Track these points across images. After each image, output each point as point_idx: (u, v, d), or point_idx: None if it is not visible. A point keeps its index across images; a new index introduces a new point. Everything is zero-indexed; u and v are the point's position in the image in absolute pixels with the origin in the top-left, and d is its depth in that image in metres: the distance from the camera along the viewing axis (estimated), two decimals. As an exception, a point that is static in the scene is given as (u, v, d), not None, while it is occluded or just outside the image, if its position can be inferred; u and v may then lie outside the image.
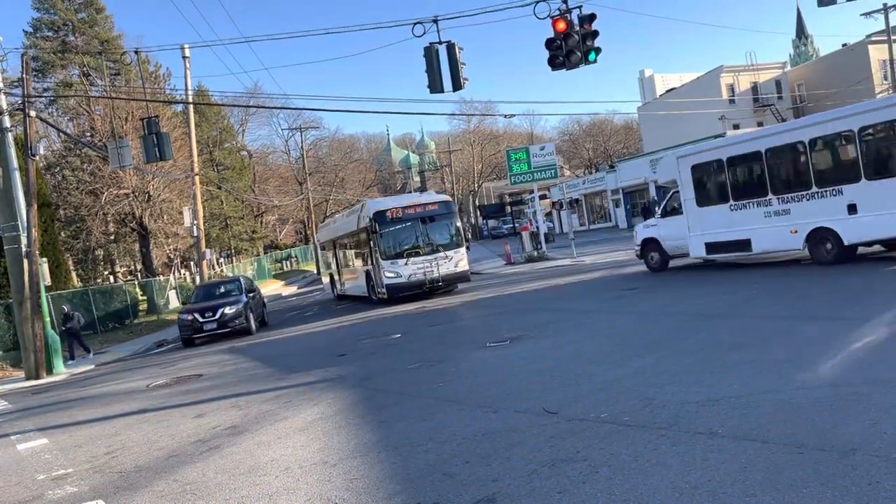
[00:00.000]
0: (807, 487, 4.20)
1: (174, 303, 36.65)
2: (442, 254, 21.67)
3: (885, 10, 38.43)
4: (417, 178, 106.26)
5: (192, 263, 54.32)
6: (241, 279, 23.84)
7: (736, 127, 48.73)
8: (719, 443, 5.20)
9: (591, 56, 16.57)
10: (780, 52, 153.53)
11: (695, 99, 49.07)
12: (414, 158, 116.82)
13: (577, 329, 11.97)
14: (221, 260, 58.28)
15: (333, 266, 29.71)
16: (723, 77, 54.34)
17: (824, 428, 5.21)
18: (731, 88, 54.51)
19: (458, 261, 21.98)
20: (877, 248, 15.33)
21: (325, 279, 33.51)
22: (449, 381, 9.28)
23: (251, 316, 21.27)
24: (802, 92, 54.99)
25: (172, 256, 49.96)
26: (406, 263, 21.30)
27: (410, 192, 74.85)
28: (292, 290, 46.92)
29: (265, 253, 65.65)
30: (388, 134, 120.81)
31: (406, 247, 21.61)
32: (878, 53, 48.50)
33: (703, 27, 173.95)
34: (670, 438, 5.47)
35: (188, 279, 43.28)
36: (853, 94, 46.43)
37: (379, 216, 21.50)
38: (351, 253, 26.57)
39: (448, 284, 22.11)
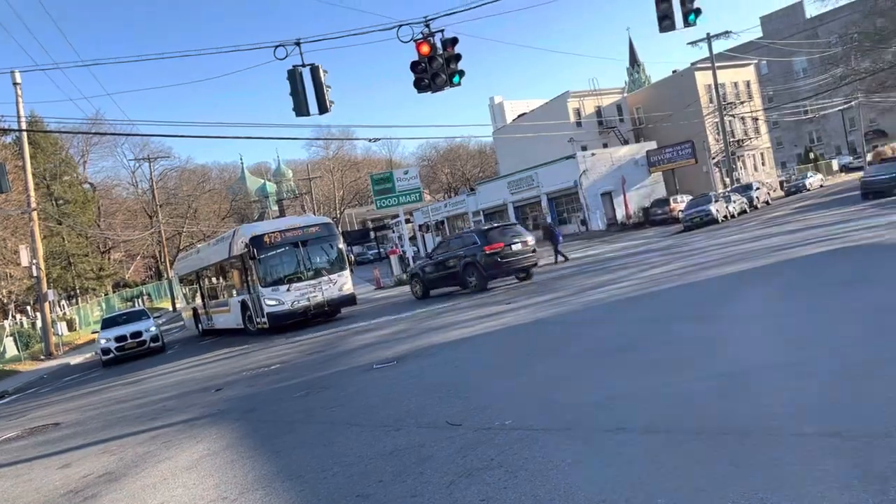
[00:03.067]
0: (718, 470, 4.42)
1: (12, 350, 33.29)
2: (326, 277, 21.05)
3: (709, 39, 42.38)
4: (276, 207, 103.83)
5: (28, 307, 49.68)
6: None
7: (584, 148, 51.67)
8: (627, 437, 5.38)
9: (456, 79, 16.97)
10: (618, 79, 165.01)
11: (545, 122, 51.56)
12: (271, 187, 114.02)
13: (461, 345, 12.05)
14: (63, 302, 53.80)
15: (198, 299, 28.13)
16: (569, 102, 57.49)
17: (720, 414, 5.53)
18: (578, 112, 57.77)
19: (342, 284, 21.44)
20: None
21: (187, 314, 31.63)
22: (341, 404, 9.02)
23: None
24: (641, 115, 59.26)
25: (6, 301, 45.48)
26: (288, 289, 20.49)
27: (269, 220, 72.89)
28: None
29: (114, 291, 61.35)
30: (241, 163, 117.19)
31: (287, 272, 20.76)
32: (703, 79, 53.34)
33: (549, 55, 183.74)
34: (581, 438, 5.59)
35: (26, 324, 39.52)
36: (686, 115, 50.70)
37: (256, 241, 20.56)
38: (221, 283, 25.29)
39: (333, 309, 21.57)
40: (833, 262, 13.65)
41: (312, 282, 20.83)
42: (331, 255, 21.69)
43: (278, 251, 20.82)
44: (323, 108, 17.44)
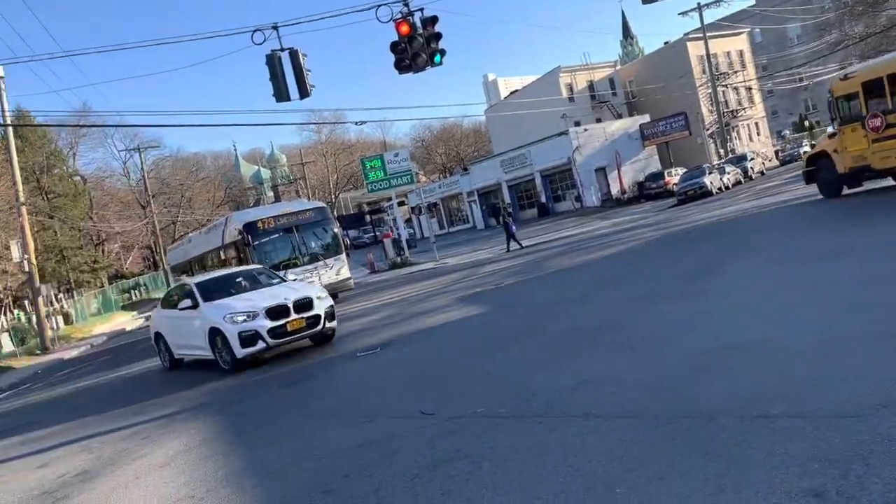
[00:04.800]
0: (681, 455, 4.32)
1: (7, 346, 33.26)
2: (322, 262, 20.84)
3: (700, 9, 41.85)
4: (271, 193, 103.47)
5: (26, 302, 49.65)
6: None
7: (577, 123, 51.32)
8: (595, 424, 5.28)
9: (437, 58, 16.71)
10: (611, 52, 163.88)
11: (537, 99, 51.14)
12: (265, 173, 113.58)
13: (444, 329, 11.96)
14: (60, 295, 53.76)
15: None
16: (561, 77, 56.97)
17: (687, 397, 5.43)
18: (570, 87, 57.27)
19: (339, 268, 21.24)
20: None
21: None
22: (319, 395, 8.95)
23: None
24: (634, 88, 58.78)
25: (2, 296, 45.39)
26: (285, 275, 20.49)
27: (263, 207, 72.72)
28: (140, 323, 43.83)
29: (110, 283, 61.27)
30: (235, 150, 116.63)
31: (283, 258, 20.48)
32: (695, 49, 52.80)
33: (539, 30, 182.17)
34: (548, 425, 5.49)
35: (23, 319, 39.45)
36: (678, 87, 50.26)
37: (249, 228, 20.33)
38: None
39: (331, 294, 21.48)
40: (815, 233, 13.52)
41: (309, 267, 20.63)
42: (326, 240, 21.52)
43: (272, 237, 20.63)
44: (303, 93, 17.21)
